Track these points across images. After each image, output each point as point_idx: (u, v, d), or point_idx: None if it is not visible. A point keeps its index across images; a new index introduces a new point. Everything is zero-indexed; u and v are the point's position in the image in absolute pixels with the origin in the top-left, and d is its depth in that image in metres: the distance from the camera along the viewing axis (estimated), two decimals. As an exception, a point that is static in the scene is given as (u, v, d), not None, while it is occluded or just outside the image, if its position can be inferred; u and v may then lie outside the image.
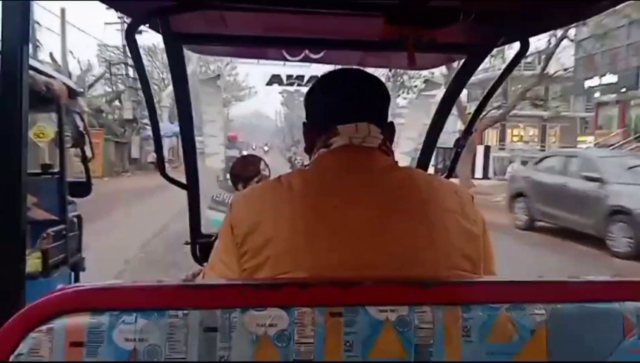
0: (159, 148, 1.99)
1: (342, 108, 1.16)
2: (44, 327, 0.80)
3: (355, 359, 0.84)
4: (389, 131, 1.19)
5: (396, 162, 1.16)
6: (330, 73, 1.25)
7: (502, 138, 32.57)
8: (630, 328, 0.90)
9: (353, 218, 1.02)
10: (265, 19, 1.68)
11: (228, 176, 2.25)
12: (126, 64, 28.30)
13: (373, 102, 1.19)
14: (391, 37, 1.43)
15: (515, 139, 33.56)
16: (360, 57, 2.09)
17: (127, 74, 29.18)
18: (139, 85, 16.14)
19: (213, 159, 2.34)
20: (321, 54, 1.98)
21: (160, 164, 2.01)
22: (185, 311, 0.83)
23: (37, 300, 0.83)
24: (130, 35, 1.58)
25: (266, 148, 57.12)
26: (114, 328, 0.81)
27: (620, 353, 0.89)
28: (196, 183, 2.04)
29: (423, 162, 2.22)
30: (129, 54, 1.70)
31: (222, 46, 2.07)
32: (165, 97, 26.77)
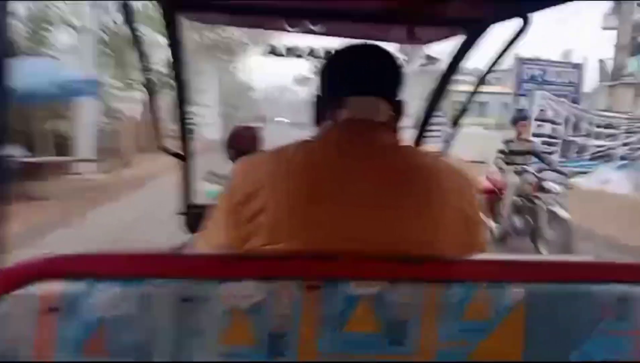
0: (155, 117, 1.98)
1: (353, 81, 1.15)
2: (18, 292, 0.80)
3: (330, 333, 0.85)
4: (399, 108, 1.18)
5: (401, 140, 1.14)
6: (347, 47, 1.24)
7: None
8: (608, 310, 0.90)
9: (352, 193, 1.02)
10: None
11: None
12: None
13: (385, 78, 1.18)
14: (391, 10, 1.41)
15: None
16: (360, 30, 2.06)
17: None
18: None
19: (208, 130, 2.33)
20: (320, 26, 1.96)
21: (158, 136, 2.00)
22: (161, 281, 0.83)
23: (11, 265, 0.83)
24: (126, 7, 1.54)
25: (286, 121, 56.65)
26: (89, 295, 0.81)
27: (598, 334, 0.90)
28: (189, 154, 2.04)
29: (418, 138, 2.22)
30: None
31: (219, 13, 2.04)
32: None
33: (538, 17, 1.59)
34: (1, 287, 0.80)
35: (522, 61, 14.97)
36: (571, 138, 12.48)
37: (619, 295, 0.91)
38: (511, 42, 1.73)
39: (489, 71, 2.02)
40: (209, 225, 1.11)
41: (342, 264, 0.88)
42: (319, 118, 1.19)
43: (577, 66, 15.65)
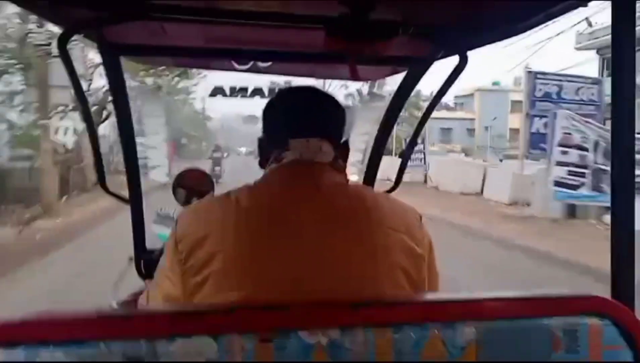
0: (98, 160, 1.93)
1: (296, 123, 1.17)
2: None
3: None
4: (343, 148, 1.21)
5: (347, 180, 1.17)
6: (287, 89, 1.27)
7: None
8: (558, 343, 0.92)
9: (297, 234, 1.03)
10: (207, 30, 1.66)
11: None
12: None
13: (327, 120, 1.20)
14: (333, 50, 1.45)
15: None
16: (306, 69, 2.10)
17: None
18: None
19: (156, 172, 2.29)
20: (268, 63, 1.99)
21: (100, 176, 1.94)
22: (107, 342, 0.79)
23: None
24: (62, 45, 1.51)
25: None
26: None
27: None
28: (139, 196, 1.99)
29: (370, 175, 2.25)
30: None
31: (162, 56, 2.03)
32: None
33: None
34: None
35: (534, 75, 13.17)
36: (602, 166, 9.89)
37: (566, 327, 0.93)
38: (450, 79, 1.81)
39: (433, 107, 2.10)
40: (158, 276, 1.09)
41: (293, 313, 0.87)
42: (264, 160, 1.20)
43: (597, 82, 13.80)
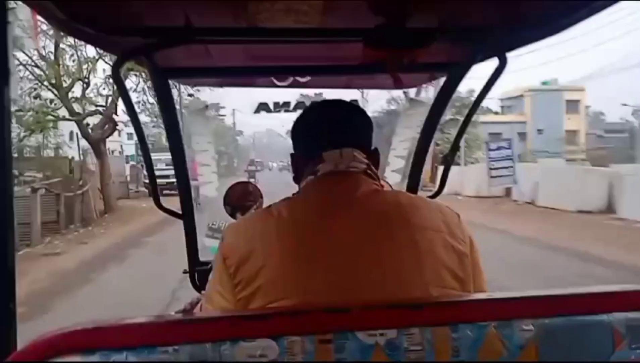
0: (152, 180, 2.02)
1: (327, 136, 1.21)
2: None
3: None
4: (374, 156, 1.24)
5: (382, 186, 1.20)
6: (314, 104, 1.32)
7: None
8: (620, 340, 0.90)
9: (340, 243, 1.05)
10: (248, 49, 1.72)
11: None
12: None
13: (356, 130, 1.24)
14: (372, 60, 1.48)
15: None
16: (346, 80, 2.14)
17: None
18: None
19: (207, 188, 2.37)
20: (308, 78, 2.03)
21: (154, 195, 2.03)
22: (175, 347, 0.83)
23: (27, 344, 0.83)
24: (115, 72, 1.61)
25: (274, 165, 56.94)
26: None
27: None
28: (191, 211, 2.07)
29: (413, 183, 2.25)
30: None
31: (207, 77, 2.11)
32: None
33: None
34: None
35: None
36: None
37: (628, 322, 0.91)
38: (490, 81, 1.80)
39: (473, 111, 2.09)
40: (210, 290, 1.14)
41: (352, 315, 0.89)
42: (299, 175, 1.24)
43: None
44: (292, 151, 1.29)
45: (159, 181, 2.01)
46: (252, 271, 1.04)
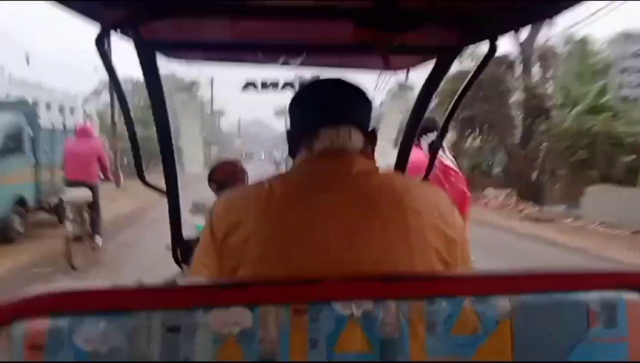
0: (137, 154, 1.99)
1: (325, 113, 1.19)
2: (2, 331, 0.80)
3: (321, 355, 0.85)
4: (371, 137, 1.23)
5: (377, 167, 1.19)
6: (314, 81, 1.29)
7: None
8: (595, 318, 0.92)
9: (330, 220, 1.05)
10: (238, 25, 1.69)
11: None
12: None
13: (355, 109, 1.22)
14: (362, 41, 1.47)
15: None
16: (336, 60, 2.12)
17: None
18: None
19: (193, 166, 2.35)
20: (297, 57, 2.01)
21: (139, 170, 2.01)
22: (147, 312, 0.83)
23: None
24: (100, 43, 1.57)
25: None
26: (74, 331, 0.81)
27: (585, 343, 0.91)
28: (176, 189, 2.05)
29: (401, 163, 2.26)
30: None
31: (195, 51, 2.08)
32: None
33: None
34: None
35: None
36: None
37: (604, 302, 0.92)
38: (482, 65, 1.80)
39: (464, 94, 2.09)
40: (195, 262, 1.14)
41: (327, 287, 0.90)
42: (294, 151, 1.23)
43: None
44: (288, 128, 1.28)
45: None
46: (239, 242, 1.04)
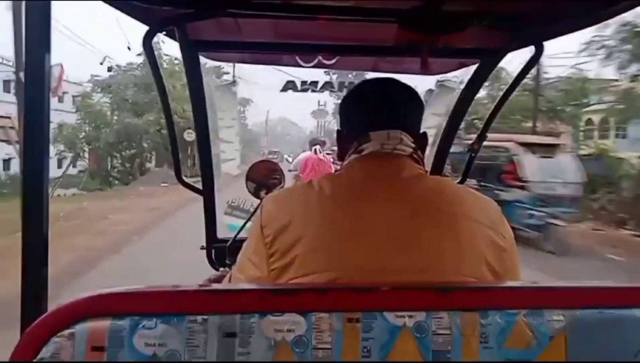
0: (175, 153, 2.02)
1: (376, 115, 1.18)
2: (66, 332, 0.82)
3: None
4: (421, 140, 1.21)
5: (426, 171, 1.17)
6: (366, 81, 1.28)
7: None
8: None
9: (380, 224, 1.03)
10: (279, 25, 1.70)
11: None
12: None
13: (406, 112, 1.20)
14: (405, 43, 1.44)
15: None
16: (373, 63, 2.10)
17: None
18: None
19: (229, 165, 2.37)
20: (335, 59, 2.00)
21: (176, 169, 2.03)
22: (204, 317, 0.84)
23: (60, 305, 0.84)
24: (147, 43, 1.60)
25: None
26: (134, 333, 0.82)
27: None
28: (212, 188, 2.07)
29: (437, 166, 2.22)
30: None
31: (236, 52, 2.09)
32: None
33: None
34: (48, 329, 0.82)
35: None
36: None
37: None
38: (525, 69, 1.75)
39: (506, 98, 2.03)
40: (243, 260, 1.13)
41: (381, 295, 0.89)
42: (343, 153, 1.22)
43: None
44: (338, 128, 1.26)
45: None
46: (289, 242, 1.03)
